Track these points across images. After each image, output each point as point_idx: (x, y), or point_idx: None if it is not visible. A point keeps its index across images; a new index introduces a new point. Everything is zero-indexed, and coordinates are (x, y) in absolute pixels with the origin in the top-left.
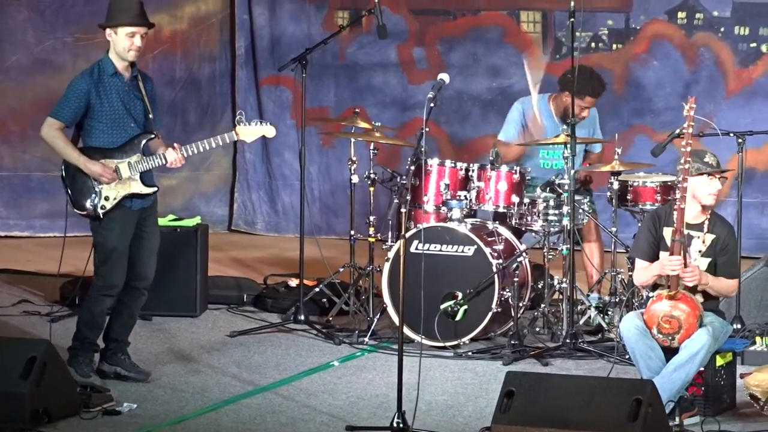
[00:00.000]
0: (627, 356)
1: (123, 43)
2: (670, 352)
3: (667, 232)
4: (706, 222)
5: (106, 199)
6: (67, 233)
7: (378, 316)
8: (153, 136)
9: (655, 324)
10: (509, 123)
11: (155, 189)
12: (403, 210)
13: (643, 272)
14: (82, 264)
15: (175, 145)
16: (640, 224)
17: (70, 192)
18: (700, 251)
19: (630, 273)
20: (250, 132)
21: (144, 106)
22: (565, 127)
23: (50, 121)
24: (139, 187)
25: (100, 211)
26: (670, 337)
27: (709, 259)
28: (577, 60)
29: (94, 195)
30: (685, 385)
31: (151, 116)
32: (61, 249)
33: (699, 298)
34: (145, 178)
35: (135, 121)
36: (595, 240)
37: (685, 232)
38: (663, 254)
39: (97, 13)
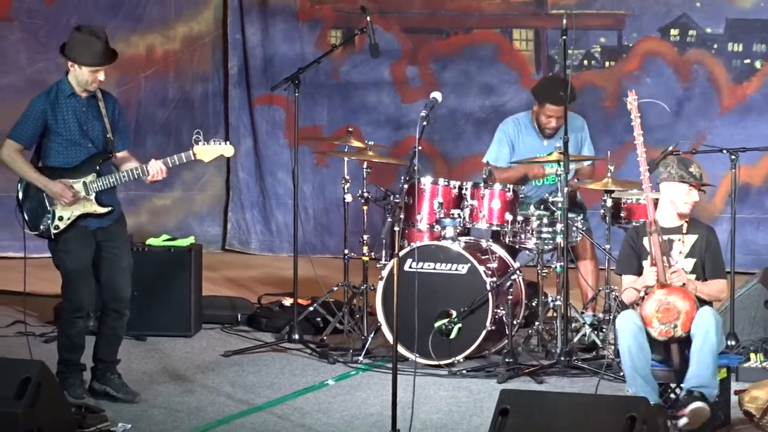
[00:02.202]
0: (621, 373)
1: (86, 77)
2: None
3: (647, 241)
4: (685, 224)
5: (60, 219)
6: None
7: (372, 335)
8: (110, 156)
9: (654, 317)
10: (494, 144)
11: (110, 209)
12: (396, 229)
13: (630, 290)
14: None
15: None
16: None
17: (24, 213)
18: (681, 252)
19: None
20: (207, 151)
21: (103, 126)
22: (546, 142)
23: (9, 143)
24: (93, 207)
25: (53, 231)
26: (672, 326)
27: (694, 260)
28: (569, 78)
29: (47, 215)
30: (716, 363)
31: (109, 136)
32: (23, 269)
33: None
34: (102, 197)
35: (92, 141)
36: (590, 258)
37: (665, 237)
38: (646, 264)
39: None
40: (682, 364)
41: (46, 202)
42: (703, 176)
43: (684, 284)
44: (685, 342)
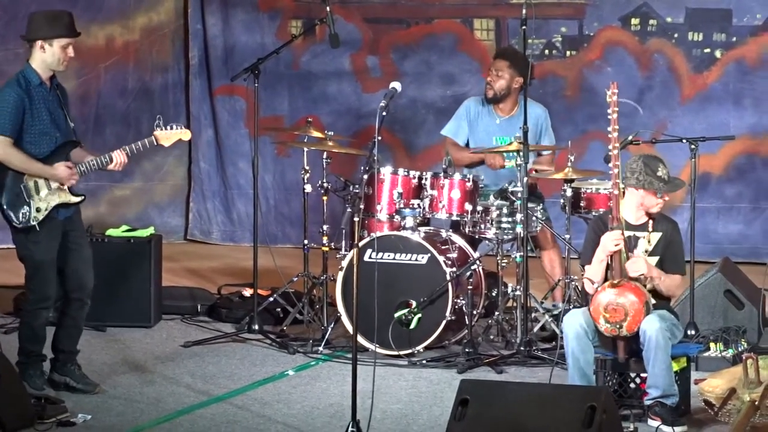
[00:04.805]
0: None
1: (57, 55)
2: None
3: None
4: (650, 221)
5: (38, 210)
6: None
7: (332, 326)
8: (77, 144)
9: (601, 315)
10: (454, 118)
11: (83, 197)
12: (356, 219)
13: (590, 268)
14: None
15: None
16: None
17: (3, 204)
18: (646, 251)
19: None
20: (167, 136)
21: (65, 114)
22: (499, 120)
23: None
24: (67, 197)
25: (34, 223)
26: (617, 326)
27: (657, 257)
28: (530, 67)
29: (25, 206)
30: (670, 370)
31: (72, 124)
32: None
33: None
34: (71, 187)
35: (60, 130)
36: (553, 247)
37: (630, 233)
38: (603, 236)
39: None
40: (628, 358)
41: (24, 195)
42: (669, 174)
43: (642, 275)
44: (633, 338)
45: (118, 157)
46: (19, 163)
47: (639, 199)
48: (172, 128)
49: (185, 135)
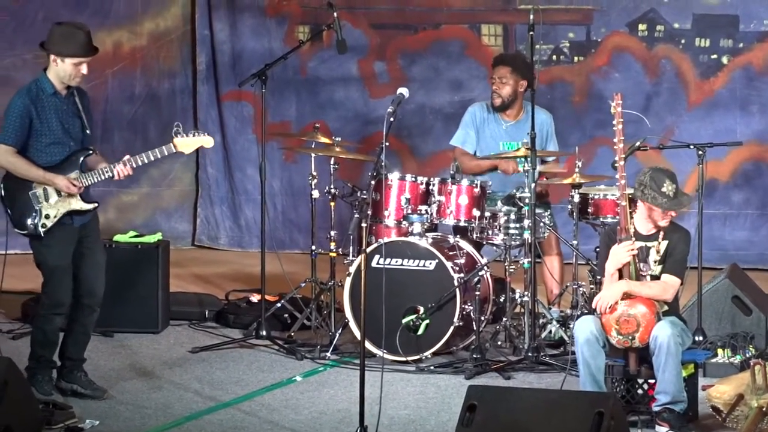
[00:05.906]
0: None
1: (69, 71)
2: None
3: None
4: (661, 231)
5: (47, 217)
6: (28, 251)
7: (340, 331)
8: (91, 152)
9: (613, 327)
10: (461, 127)
11: (95, 205)
12: (363, 225)
13: (606, 286)
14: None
15: (126, 158)
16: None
17: (10, 212)
18: (656, 261)
19: (591, 287)
20: (187, 143)
21: (81, 122)
22: (505, 125)
23: (2, 149)
24: (79, 204)
25: (41, 230)
26: (630, 337)
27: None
28: (537, 72)
29: (34, 214)
30: (680, 376)
31: (88, 131)
32: (2, 267)
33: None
34: (84, 194)
35: (73, 138)
36: (556, 254)
37: (641, 243)
38: (613, 248)
39: None
40: (640, 369)
41: (32, 202)
42: (678, 189)
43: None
44: (644, 350)
45: (120, 172)
46: (21, 171)
47: (647, 212)
48: (194, 135)
49: (207, 142)
